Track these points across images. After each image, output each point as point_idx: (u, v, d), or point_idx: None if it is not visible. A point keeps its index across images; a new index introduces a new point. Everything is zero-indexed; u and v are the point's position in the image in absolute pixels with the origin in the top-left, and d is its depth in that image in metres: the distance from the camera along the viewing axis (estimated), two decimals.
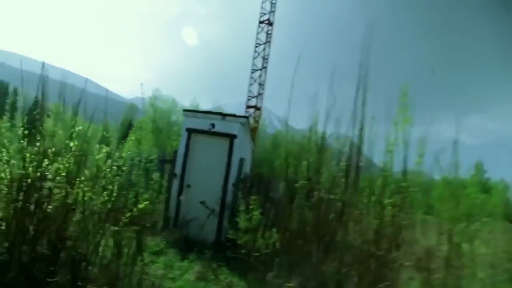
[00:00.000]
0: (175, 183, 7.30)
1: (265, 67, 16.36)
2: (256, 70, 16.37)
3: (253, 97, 16.27)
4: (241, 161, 6.91)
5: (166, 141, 13.56)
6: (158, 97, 27.46)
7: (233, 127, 7.47)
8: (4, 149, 3.29)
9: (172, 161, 7.23)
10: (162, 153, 7.15)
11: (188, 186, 7.35)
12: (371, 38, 4.46)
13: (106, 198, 3.83)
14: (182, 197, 6.88)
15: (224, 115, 7.57)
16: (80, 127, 4.24)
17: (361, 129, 4.61)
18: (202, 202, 7.11)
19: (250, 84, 16.30)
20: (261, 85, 16.35)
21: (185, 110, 7.74)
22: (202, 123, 7.56)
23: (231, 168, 7.22)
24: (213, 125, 7.53)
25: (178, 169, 7.34)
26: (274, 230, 4.96)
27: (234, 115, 7.59)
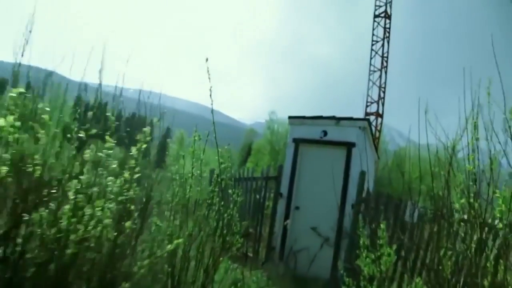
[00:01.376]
0: (281, 204, 6.13)
1: (385, 67, 14.14)
2: (375, 71, 14.27)
3: (372, 103, 14.16)
4: (362, 175, 5.30)
5: (283, 162, 12.76)
6: (275, 120, 27.56)
7: (351, 133, 5.94)
8: None
9: (277, 178, 6.09)
10: (267, 169, 6.05)
11: (297, 208, 6.08)
12: None
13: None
14: (288, 222, 5.64)
15: (338, 119, 6.12)
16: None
17: None
18: (313, 229, 5.74)
19: (369, 88, 14.26)
20: (381, 88, 14.14)
21: (290, 117, 6.58)
22: (311, 131, 6.27)
23: (349, 185, 5.67)
24: (325, 133, 6.15)
25: (284, 188, 6.17)
26: (418, 281, 3.24)
27: (351, 118, 6.07)
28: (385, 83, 13.97)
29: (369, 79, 14.18)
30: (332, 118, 6.20)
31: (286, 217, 5.93)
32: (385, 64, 14.09)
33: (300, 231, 5.87)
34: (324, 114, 6.32)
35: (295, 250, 5.64)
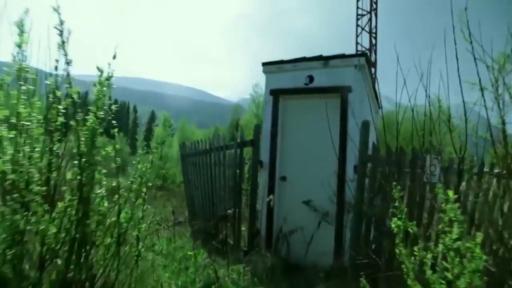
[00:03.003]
0: (262, 175, 4.78)
1: (375, 10, 12.45)
2: (363, 15, 12.58)
3: (363, 52, 12.58)
4: (365, 127, 3.90)
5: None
6: (259, 93, 25.97)
7: (344, 75, 4.51)
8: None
9: (254, 143, 4.67)
10: (240, 133, 4.64)
11: (283, 179, 4.74)
12: None
13: None
14: (271, 198, 4.31)
15: (326, 59, 4.65)
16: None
17: None
18: (306, 202, 4.44)
19: (357, 35, 12.59)
20: (371, 33, 12.50)
21: (265, 64, 5.09)
22: (293, 79, 4.83)
23: (348, 143, 4.31)
24: (310, 78, 4.72)
25: (264, 155, 4.80)
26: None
27: (343, 55, 4.61)
28: (375, 27, 12.33)
29: (357, 24, 12.51)
30: (319, 58, 4.73)
31: (270, 190, 4.59)
32: (374, 6, 12.38)
33: (289, 207, 4.56)
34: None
35: (286, 232, 4.35)
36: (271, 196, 4.28)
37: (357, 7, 12.52)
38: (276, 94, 4.90)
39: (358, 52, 11.88)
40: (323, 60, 4.66)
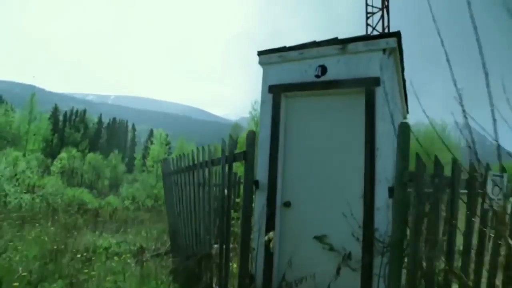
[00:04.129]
0: (259, 199, 3.55)
1: (386, 6, 11.35)
2: (374, 13, 11.46)
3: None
4: (404, 130, 2.68)
5: None
6: (258, 110, 24.98)
7: (369, 63, 3.32)
8: None
9: (246, 156, 3.44)
10: (229, 144, 3.40)
11: (286, 204, 3.51)
12: None
13: None
14: (270, 236, 3.06)
15: (344, 42, 3.47)
16: None
17: None
18: (319, 238, 3.20)
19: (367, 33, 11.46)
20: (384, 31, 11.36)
21: (261, 53, 3.91)
22: (299, 70, 3.65)
23: (377, 155, 3.09)
24: (323, 69, 3.54)
25: (262, 172, 3.59)
26: None
27: (366, 37, 3.44)
28: (388, 26, 11.18)
29: (367, 24, 11.37)
30: (334, 42, 3.54)
31: (270, 221, 3.36)
32: (386, 3, 11.27)
33: (296, 245, 3.32)
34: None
35: (291, 281, 3.10)
36: (270, 234, 3.03)
37: (366, 4, 11.41)
38: (276, 91, 3.71)
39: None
40: (340, 44, 3.48)
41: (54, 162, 33.08)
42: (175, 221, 5.22)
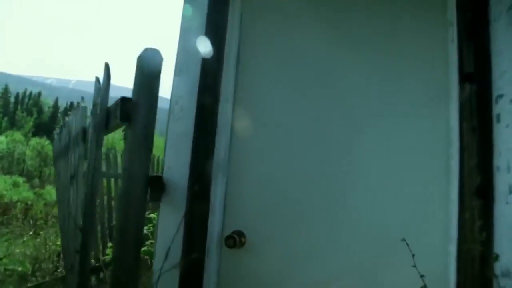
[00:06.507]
0: (167, 223, 1.45)
1: None
2: None
3: None
4: None
5: None
6: None
7: None
8: None
9: (130, 112, 1.26)
10: (105, 81, 1.17)
11: (234, 241, 1.38)
12: None
13: None
14: None
15: None
16: None
17: None
18: None
19: None
20: None
21: None
22: None
23: (497, 143, 1.15)
24: None
25: (174, 162, 1.50)
26: None
27: None
28: None
29: None
30: None
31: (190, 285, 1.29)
32: None
33: None
34: None
35: None
36: None
37: None
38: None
39: None
40: None
41: None
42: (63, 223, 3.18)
